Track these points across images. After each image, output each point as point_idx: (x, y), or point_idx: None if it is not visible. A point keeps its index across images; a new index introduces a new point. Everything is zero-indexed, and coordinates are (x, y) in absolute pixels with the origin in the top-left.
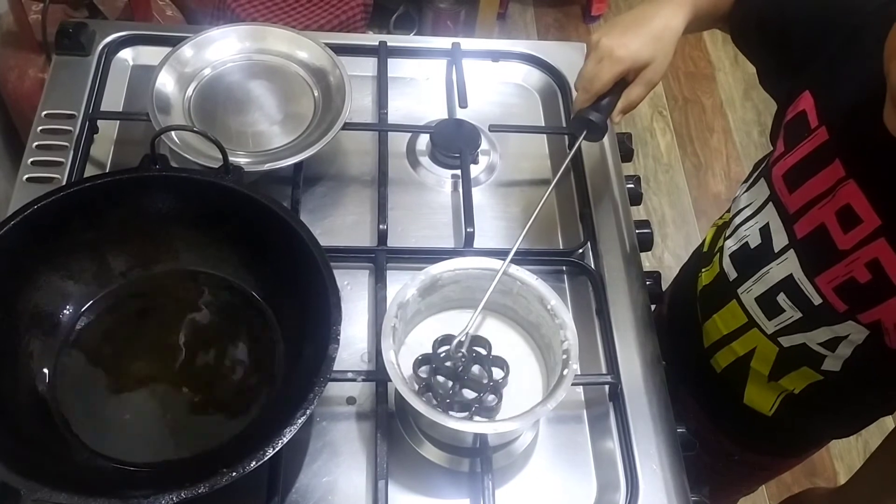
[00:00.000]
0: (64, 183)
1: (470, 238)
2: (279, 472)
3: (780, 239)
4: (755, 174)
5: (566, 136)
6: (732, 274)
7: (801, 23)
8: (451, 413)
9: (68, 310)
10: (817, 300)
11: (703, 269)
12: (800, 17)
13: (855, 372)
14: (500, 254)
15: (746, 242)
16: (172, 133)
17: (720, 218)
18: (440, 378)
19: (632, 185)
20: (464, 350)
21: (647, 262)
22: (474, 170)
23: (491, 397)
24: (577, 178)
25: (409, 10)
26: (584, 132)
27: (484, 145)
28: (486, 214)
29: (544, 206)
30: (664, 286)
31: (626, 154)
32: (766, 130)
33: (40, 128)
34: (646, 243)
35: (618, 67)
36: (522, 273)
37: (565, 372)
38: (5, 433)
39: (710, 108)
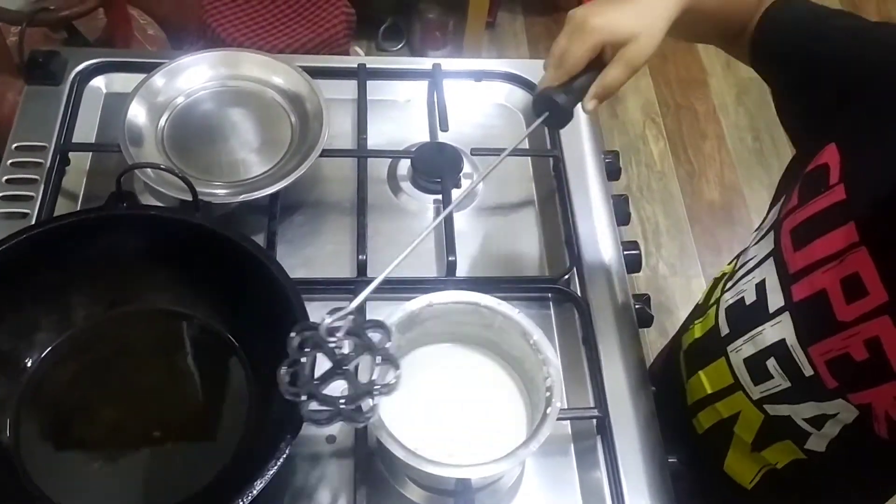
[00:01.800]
0: (35, 217)
1: (452, 267)
2: None
3: (775, 299)
4: (767, 227)
5: (550, 159)
6: (725, 329)
7: (836, 66)
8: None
9: (32, 354)
10: (808, 371)
11: (697, 321)
12: (835, 59)
13: (840, 457)
14: (483, 282)
15: (743, 298)
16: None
17: (721, 270)
18: (316, 356)
19: (619, 205)
20: (350, 330)
21: (642, 272)
22: (456, 195)
23: (368, 403)
24: (562, 201)
25: (396, 21)
26: (546, 115)
27: (466, 168)
28: (468, 241)
29: (529, 233)
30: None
31: (614, 173)
32: (760, 136)
33: (10, 161)
34: (633, 265)
35: (591, 39)
36: (504, 307)
37: (548, 410)
38: None
39: (702, 113)
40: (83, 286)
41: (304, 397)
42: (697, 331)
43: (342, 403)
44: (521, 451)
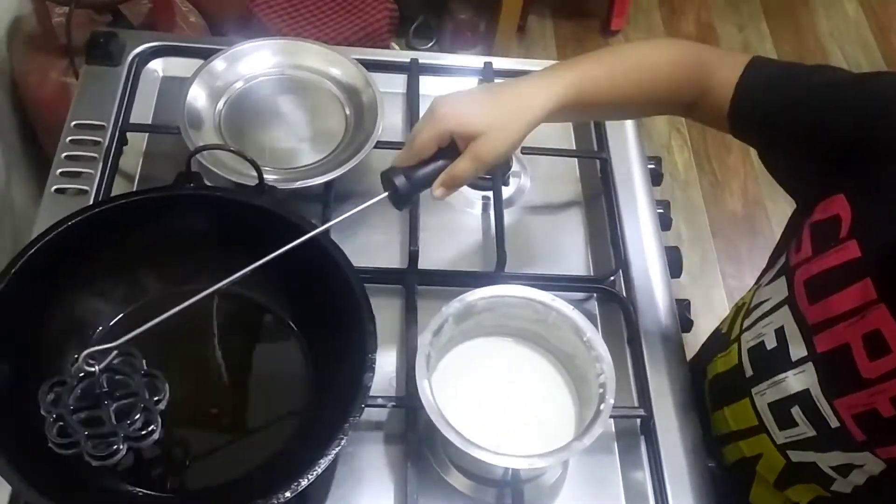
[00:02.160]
0: (93, 195)
1: (502, 262)
2: (307, 499)
3: (797, 348)
4: (779, 268)
5: (597, 161)
6: (749, 371)
7: (828, 125)
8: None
9: (99, 329)
10: (834, 423)
11: (720, 355)
12: (826, 119)
13: (867, 500)
14: (530, 279)
15: (763, 342)
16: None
17: (741, 298)
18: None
19: (661, 211)
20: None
21: None
22: (504, 192)
23: (141, 422)
24: (608, 203)
25: (428, 19)
26: (388, 192)
27: (515, 167)
28: (515, 237)
29: (575, 232)
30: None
31: (656, 179)
32: None
33: (69, 138)
34: (675, 269)
35: (438, 128)
36: (559, 303)
37: (602, 407)
38: (34, 456)
39: None
40: (148, 264)
41: (52, 417)
42: (720, 365)
43: (87, 436)
44: (574, 445)
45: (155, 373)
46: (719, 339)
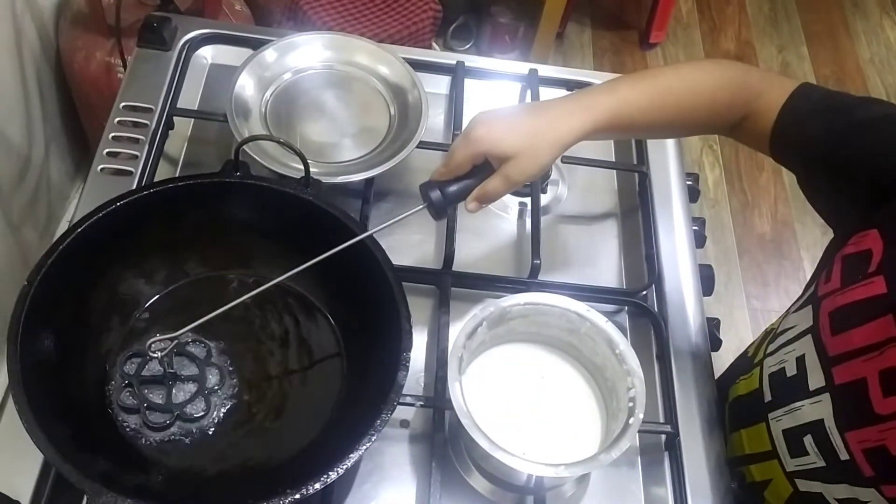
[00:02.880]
0: (137, 177)
1: (536, 269)
2: (332, 492)
3: (816, 378)
4: (808, 296)
5: (636, 174)
6: (768, 396)
7: (872, 160)
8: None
9: (139, 310)
10: (844, 455)
11: (743, 377)
12: (870, 153)
13: None
14: (563, 288)
15: (784, 368)
16: (246, 135)
17: (771, 324)
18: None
19: (696, 228)
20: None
21: None
22: (542, 199)
23: (199, 406)
24: (645, 217)
25: (468, 21)
26: (425, 204)
27: (553, 175)
28: (549, 245)
29: (609, 244)
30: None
31: (693, 195)
32: None
33: (117, 119)
34: (707, 288)
35: (472, 149)
36: (593, 314)
37: (631, 421)
38: (71, 434)
39: None
40: (191, 248)
41: (124, 383)
42: (742, 387)
43: (147, 407)
44: (602, 457)
45: (222, 363)
46: (744, 362)
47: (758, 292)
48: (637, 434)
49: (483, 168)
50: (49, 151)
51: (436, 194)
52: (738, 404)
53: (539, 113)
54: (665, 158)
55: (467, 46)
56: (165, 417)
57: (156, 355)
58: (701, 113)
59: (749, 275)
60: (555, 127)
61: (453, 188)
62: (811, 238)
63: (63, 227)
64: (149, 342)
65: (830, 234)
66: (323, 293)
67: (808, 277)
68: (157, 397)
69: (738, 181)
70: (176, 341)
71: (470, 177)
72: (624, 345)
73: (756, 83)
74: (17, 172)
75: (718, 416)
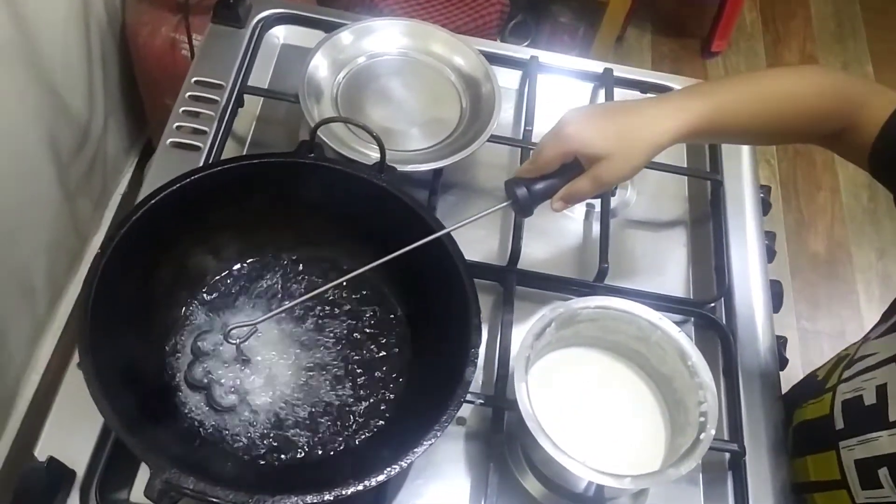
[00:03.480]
0: (205, 153)
1: (603, 273)
2: (387, 486)
3: None
4: (890, 323)
5: (709, 182)
6: (840, 423)
7: None
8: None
9: (205, 286)
10: None
11: (811, 401)
12: None
13: None
14: (629, 294)
15: (861, 396)
16: (316, 116)
17: (845, 349)
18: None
19: (767, 242)
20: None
21: None
22: (610, 202)
23: (265, 393)
24: (717, 227)
25: (526, 18)
26: (510, 201)
27: None
28: (614, 249)
29: (677, 252)
30: None
31: (765, 208)
32: (876, 196)
33: (188, 93)
34: (776, 304)
35: (561, 147)
36: (665, 323)
37: (702, 437)
38: (134, 406)
39: (820, 163)
40: (261, 227)
41: (197, 358)
42: (810, 412)
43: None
44: (670, 471)
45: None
46: (813, 385)
47: (808, 313)
48: None
49: (571, 167)
50: (107, 125)
51: (522, 192)
52: (804, 429)
53: (633, 113)
54: (739, 167)
55: (525, 44)
56: (233, 399)
57: (234, 342)
58: (800, 121)
59: (801, 295)
60: (649, 128)
61: (540, 186)
62: (866, 262)
63: (116, 200)
64: (228, 328)
65: (886, 259)
66: (391, 282)
67: (861, 301)
68: (227, 378)
69: (795, 198)
70: (255, 329)
71: (557, 175)
72: (697, 357)
73: (859, 93)
74: (77, 143)
75: (784, 439)
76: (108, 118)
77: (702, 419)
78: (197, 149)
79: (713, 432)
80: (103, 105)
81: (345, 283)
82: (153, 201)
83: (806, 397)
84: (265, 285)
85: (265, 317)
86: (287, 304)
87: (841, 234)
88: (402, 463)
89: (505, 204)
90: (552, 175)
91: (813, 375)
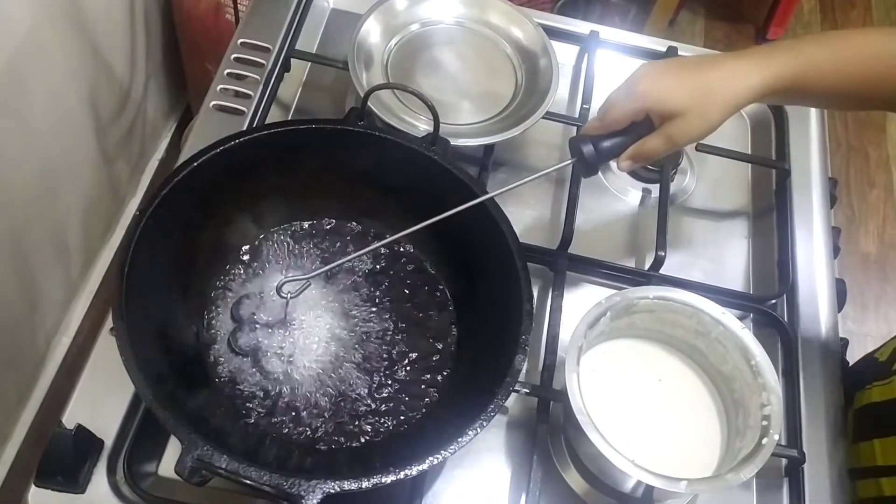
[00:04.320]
0: (249, 117)
1: (660, 262)
2: (425, 473)
3: None
4: None
5: (773, 171)
6: None
7: None
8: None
9: (246, 253)
10: None
11: (876, 383)
12: None
13: None
14: (684, 285)
15: None
16: (365, 84)
17: None
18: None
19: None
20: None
21: None
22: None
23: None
24: (781, 219)
25: None
26: (575, 159)
27: (683, 164)
28: (671, 238)
29: (737, 244)
30: None
31: (831, 202)
32: None
33: (234, 55)
34: (840, 303)
35: (633, 104)
36: (728, 318)
37: (764, 441)
38: (167, 377)
39: (874, 160)
40: (304, 195)
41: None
42: (876, 394)
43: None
44: (730, 477)
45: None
46: (876, 368)
47: (855, 314)
48: None
49: (641, 125)
50: (148, 87)
51: (588, 149)
52: (870, 412)
53: (710, 68)
54: (808, 155)
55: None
56: (277, 368)
57: (285, 296)
58: (889, 85)
59: (848, 295)
60: (728, 84)
61: (607, 144)
62: None
63: (153, 165)
64: (281, 281)
65: None
66: (438, 260)
67: None
68: (270, 347)
69: (847, 195)
70: (309, 283)
71: (626, 133)
72: (761, 356)
73: None
74: (117, 105)
75: (844, 446)
76: (149, 81)
77: (764, 423)
78: (241, 113)
79: (776, 437)
80: (144, 67)
81: (389, 255)
82: (196, 163)
83: (870, 379)
84: (308, 254)
85: (318, 271)
86: (341, 260)
87: (893, 234)
88: (446, 453)
89: (568, 162)
90: (620, 133)
91: (871, 357)
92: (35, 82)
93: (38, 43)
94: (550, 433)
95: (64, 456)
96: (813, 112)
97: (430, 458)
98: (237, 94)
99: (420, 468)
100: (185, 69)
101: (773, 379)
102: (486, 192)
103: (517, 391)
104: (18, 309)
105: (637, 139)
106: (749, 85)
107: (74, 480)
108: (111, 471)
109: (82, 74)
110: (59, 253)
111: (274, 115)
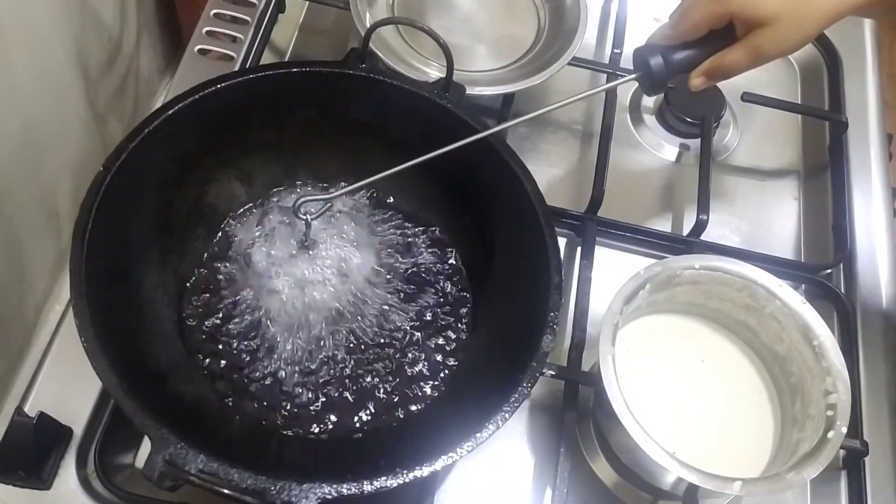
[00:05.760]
0: (239, 62)
1: (701, 226)
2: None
3: None
4: None
5: (827, 123)
6: None
7: None
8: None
9: (232, 217)
10: None
11: None
12: None
13: None
14: (733, 253)
15: None
16: (368, 24)
17: None
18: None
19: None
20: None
21: None
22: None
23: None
24: (837, 179)
25: None
26: (638, 73)
27: (725, 116)
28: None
29: (786, 206)
30: None
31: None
32: None
33: None
34: None
35: (716, 7)
36: (786, 292)
37: (830, 434)
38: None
39: None
40: (298, 151)
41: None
42: None
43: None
44: (791, 477)
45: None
46: None
47: None
48: None
49: (720, 34)
50: (140, 40)
51: (657, 60)
52: None
53: None
54: (864, 107)
55: None
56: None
57: (304, 217)
58: None
59: None
60: None
61: (679, 55)
62: None
63: None
64: (298, 200)
65: None
66: (454, 225)
67: None
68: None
69: None
70: (330, 204)
71: (702, 44)
72: (825, 336)
73: None
74: (107, 58)
75: None
76: (142, 33)
77: (829, 413)
78: (229, 59)
79: (844, 430)
80: (136, 18)
81: (398, 220)
82: (171, 111)
83: None
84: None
85: (339, 192)
86: (358, 184)
87: None
88: (462, 451)
89: (631, 77)
90: (696, 43)
91: None
92: (14, 34)
93: None
94: (581, 424)
95: (25, 447)
96: (870, 57)
97: (444, 458)
98: (226, 38)
99: (431, 469)
100: (181, 22)
101: (839, 362)
102: (506, 145)
103: (542, 373)
104: (6, 276)
105: (715, 51)
106: None
107: (38, 475)
108: (81, 464)
109: (68, 24)
110: (49, 216)
111: (267, 61)
